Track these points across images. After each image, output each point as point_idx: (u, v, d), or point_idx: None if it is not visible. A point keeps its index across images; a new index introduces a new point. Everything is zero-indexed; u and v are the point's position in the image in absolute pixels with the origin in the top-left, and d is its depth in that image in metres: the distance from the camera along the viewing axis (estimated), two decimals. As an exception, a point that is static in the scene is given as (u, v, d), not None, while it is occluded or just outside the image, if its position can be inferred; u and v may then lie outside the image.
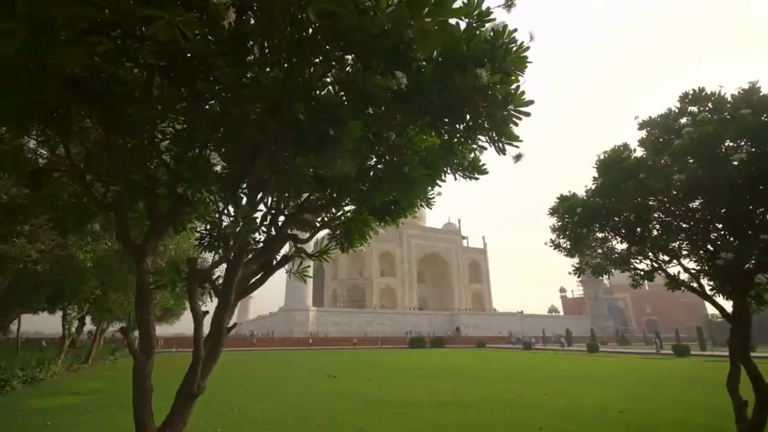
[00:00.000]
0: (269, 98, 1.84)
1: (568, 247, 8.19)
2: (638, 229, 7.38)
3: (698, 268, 6.87)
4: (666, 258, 7.16)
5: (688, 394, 11.75)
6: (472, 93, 2.37)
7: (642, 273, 7.66)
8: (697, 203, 6.81)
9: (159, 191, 2.70)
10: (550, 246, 8.30)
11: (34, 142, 2.83)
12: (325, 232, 4.66)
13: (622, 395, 11.45)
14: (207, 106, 2.87)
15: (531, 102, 2.78)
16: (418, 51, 2.18)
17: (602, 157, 6.54)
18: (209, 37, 2.32)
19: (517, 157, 3.49)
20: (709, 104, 5.58)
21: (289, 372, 19.15)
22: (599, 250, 7.93)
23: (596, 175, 6.90)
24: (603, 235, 8.15)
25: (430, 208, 5.13)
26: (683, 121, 6.24)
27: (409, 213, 4.87)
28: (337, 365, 22.39)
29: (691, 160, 5.50)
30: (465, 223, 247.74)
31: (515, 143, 3.39)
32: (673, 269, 7.15)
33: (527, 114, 2.86)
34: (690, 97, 5.74)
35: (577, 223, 7.38)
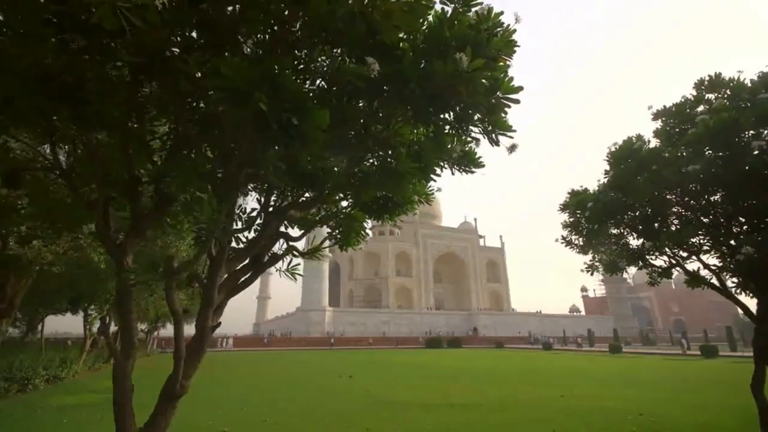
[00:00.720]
0: (231, 88, 1.77)
1: (581, 244, 7.92)
2: (655, 225, 7.07)
3: (720, 264, 6.51)
4: (684, 254, 6.83)
5: (712, 396, 11.21)
6: (453, 80, 2.25)
7: (659, 270, 7.33)
8: (717, 196, 6.47)
9: (141, 189, 2.67)
10: (562, 243, 8.03)
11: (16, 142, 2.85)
12: (323, 229, 4.61)
13: (642, 398, 11.01)
14: (198, 105, 2.86)
15: (520, 89, 2.63)
16: (384, 34, 2.06)
17: (613, 149, 6.26)
18: (184, 32, 2.28)
19: (511, 148, 3.33)
20: (728, 91, 5.25)
21: (302, 372, 19.26)
22: (614, 247, 7.63)
23: (608, 168, 6.63)
24: (617, 231, 7.85)
25: (430, 204, 4.98)
26: (700, 109, 5.91)
27: (408, 210, 4.76)
28: (351, 365, 22.41)
29: (708, 150, 5.20)
30: (482, 222, 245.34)
31: (509, 133, 3.25)
32: (693, 266, 6.81)
33: (516, 101, 2.71)
34: (706, 83, 5.42)
35: (588, 218, 7.11)
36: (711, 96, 5.66)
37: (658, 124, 6.57)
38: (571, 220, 7.83)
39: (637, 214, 6.86)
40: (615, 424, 7.87)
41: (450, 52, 2.30)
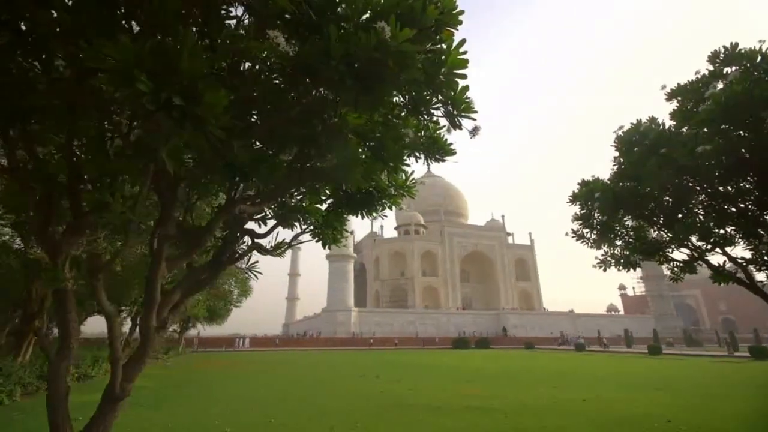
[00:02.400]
0: (112, 68, 1.65)
1: (594, 238, 7.41)
2: (679, 215, 6.48)
3: (750, 256, 5.87)
4: (708, 246, 6.21)
5: (755, 402, 10.24)
6: (378, 54, 2.03)
7: (680, 264, 6.72)
8: (745, 182, 5.83)
9: (83, 187, 2.62)
10: (572, 237, 7.54)
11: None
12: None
13: (674, 403, 10.19)
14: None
15: (466, 62, 2.37)
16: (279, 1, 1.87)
17: (620, 133, 5.76)
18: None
19: (474, 131, 3.06)
20: (747, 63, 4.68)
21: (319, 372, 19.33)
22: (630, 240, 7.07)
23: (617, 154, 6.12)
24: (635, 223, 7.28)
25: (413, 197, 4.74)
26: (720, 86, 5.34)
27: (393, 203, 4.56)
28: (371, 366, 22.29)
29: (725, 127, 4.65)
30: (510, 218, 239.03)
31: (471, 115, 2.98)
32: (716, 259, 6.18)
33: (462, 76, 2.45)
34: (722, 56, 4.85)
35: (598, 209, 6.62)
36: (729, 70, 5.09)
37: (675, 105, 6.02)
38: (582, 212, 7.34)
39: (655, 204, 6.32)
40: (637, 431, 7.30)
41: (376, 23, 2.09)
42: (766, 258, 5.29)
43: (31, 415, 8.59)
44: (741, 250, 5.73)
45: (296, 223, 3.82)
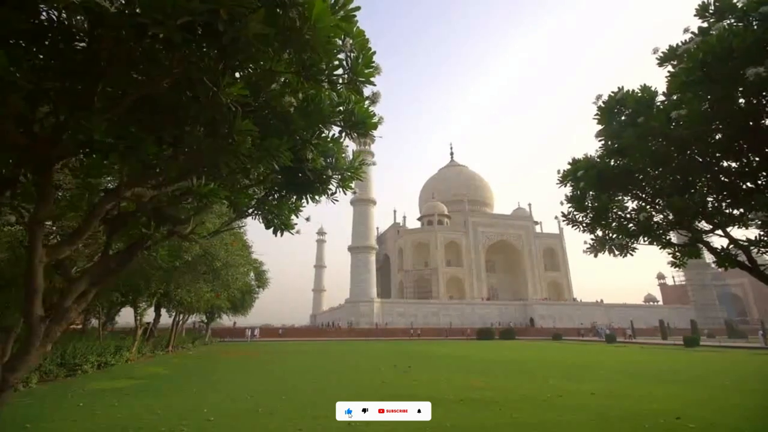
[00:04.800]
0: None
1: (587, 221, 6.84)
2: (686, 195, 5.84)
3: (757, 236, 5.20)
4: (708, 227, 5.56)
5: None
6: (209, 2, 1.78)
7: (680, 248, 6.08)
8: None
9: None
10: (564, 222, 7.01)
11: None
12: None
13: (692, 398, 9.46)
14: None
15: (354, 11, 2.07)
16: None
17: (601, 103, 5.18)
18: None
19: (373, 97, 2.75)
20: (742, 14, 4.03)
21: (330, 362, 19.45)
22: (624, 223, 6.47)
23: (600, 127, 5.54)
24: (636, 204, 6.65)
25: (361, 179, 4.48)
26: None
27: (344, 187, 4.33)
28: (384, 356, 22.23)
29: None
30: (538, 208, 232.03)
31: (370, 80, 2.69)
32: (719, 242, 5.52)
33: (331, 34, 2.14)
34: (712, 8, 4.21)
35: (585, 188, 6.08)
36: (726, 23, 4.44)
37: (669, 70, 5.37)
38: (573, 193, 6.79)
39: (645, 181, 5.71)
40: (642, 429, 6.76)
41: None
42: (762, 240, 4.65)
43: (39, 401, 9.05)
44: (742, 232, 5.07)
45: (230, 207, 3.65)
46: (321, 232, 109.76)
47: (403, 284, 74.69)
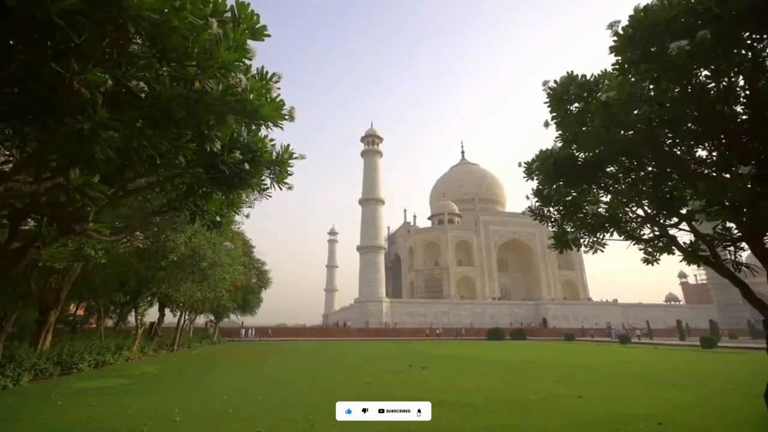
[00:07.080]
0: None
1: (557, 216, 6.52)
2: (666, 187, 5.51)
3: (721, 230, 4.83)
4: (674, 219, 5.21)
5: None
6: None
7: (652, 244, 5.72)
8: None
9: None
10: (530, 216, 6.71)
11: None
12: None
13: (687, 403, 8.98)
14: None
15: None
16: None
17: (548, 88, 4.87)
18: None
19: (273, 77, 2.61)
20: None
21: (322, 362, 19.38)
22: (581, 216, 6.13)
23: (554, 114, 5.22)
24: (609, 198, 6.30)
25: (288, 174, 4.32)
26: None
27: (278, 181, 4.22)
28: (380, 356, 22.05)
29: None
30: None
31: (248, 56, 2.55)
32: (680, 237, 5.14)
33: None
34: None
35: (543, 181, 5.79)
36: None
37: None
38: (539, 187, 6.48)
39: (596, 170, 5.38)
40: (612, 433, 6.42)
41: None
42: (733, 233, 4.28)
43: (22, 399, 9.23)
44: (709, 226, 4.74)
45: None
46: (332, 232, 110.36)
47: (414, 284, 74.30)
